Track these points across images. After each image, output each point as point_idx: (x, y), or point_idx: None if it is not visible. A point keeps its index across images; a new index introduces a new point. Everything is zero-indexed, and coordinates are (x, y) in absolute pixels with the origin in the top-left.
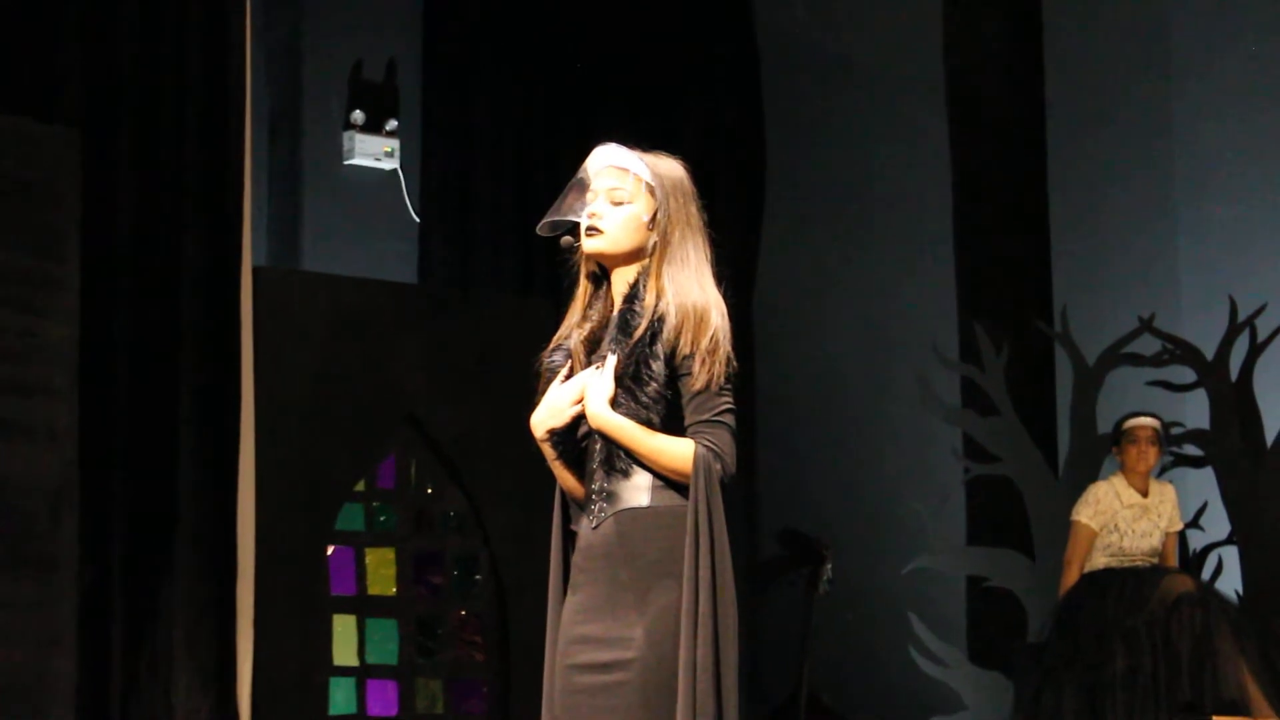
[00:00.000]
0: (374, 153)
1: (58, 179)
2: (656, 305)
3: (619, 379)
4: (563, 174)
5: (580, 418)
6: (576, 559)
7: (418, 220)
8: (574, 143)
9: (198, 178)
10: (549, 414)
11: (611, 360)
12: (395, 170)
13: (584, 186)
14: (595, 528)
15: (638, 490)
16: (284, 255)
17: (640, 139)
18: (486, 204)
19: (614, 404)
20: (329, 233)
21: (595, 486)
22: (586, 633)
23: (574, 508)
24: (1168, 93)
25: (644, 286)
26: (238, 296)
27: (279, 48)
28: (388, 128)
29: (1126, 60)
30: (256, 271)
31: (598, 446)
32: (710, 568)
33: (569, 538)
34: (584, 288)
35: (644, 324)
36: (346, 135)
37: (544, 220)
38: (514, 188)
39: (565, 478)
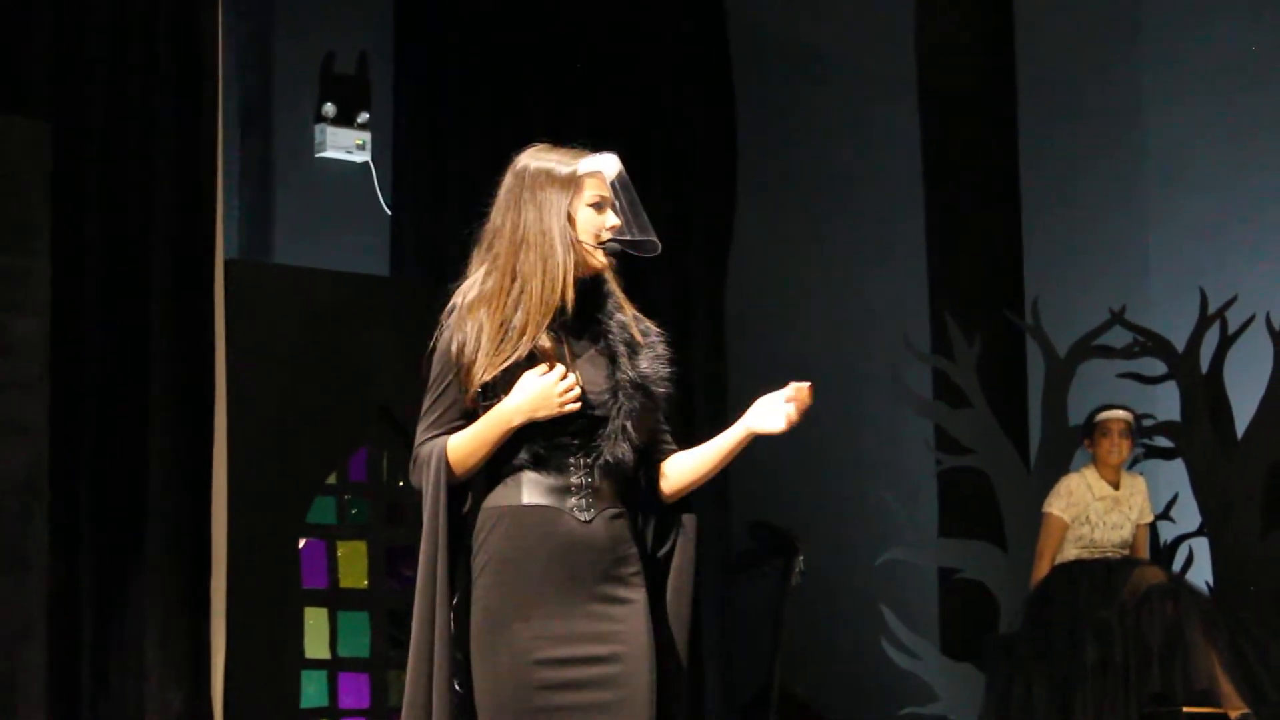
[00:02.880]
0: (346, 145)
1: (27, 171)
2: (632, 315)
3: (644, 386)
4: None
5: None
6: (528, 541)
7: (390, 213)
8: (545, 136)
9: (168, 170)
10: (542, 403)
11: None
12: (367, 163)
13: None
14: (588, 522)
15: (617, 491)
16: (256, 248)
17: (610, 133)
18: (458, 197)
19: (645, 409)
20: (301, 226)
21: (576, 480)
22: (571, 627)
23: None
24: (1139, 84)
25: (612, 293)
26: (209, 290)
27: (250, 40)
28: (359, 120)
29: (1097, 51)
30: (228, 264)
31: (591, 441)
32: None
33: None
34: (572, 288)
35: (657, 339)
36: (318, 128)
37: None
38: (486, 180)
39: (491, 447)
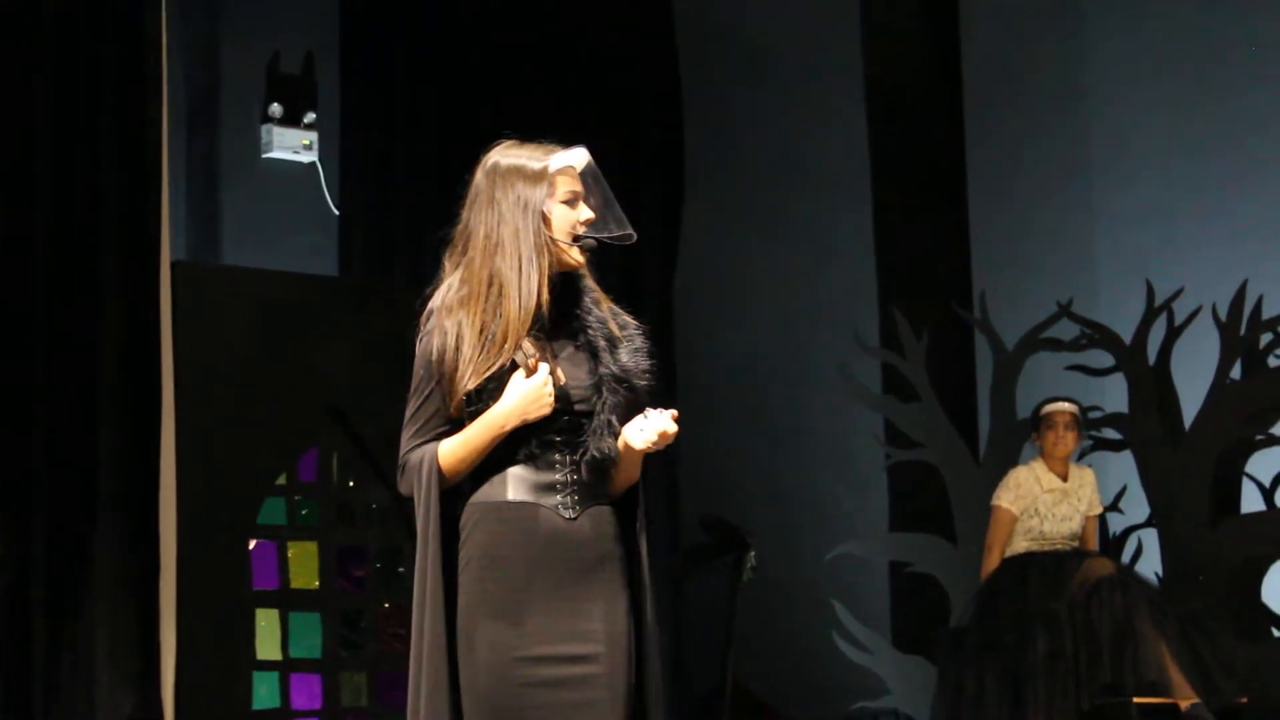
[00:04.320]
0: (293, 145)
1: None
2: (609, 309)
3: (627, 379)
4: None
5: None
6: (512, 537)
7: (337, 213)
8: (493, 133)
9: (114, 171)
10: (533, 405)
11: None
12: (314, 163)
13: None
14: (573, 519)
15: (602, 488)
16: (203, 249)
17: (559, 129)
18: (406, 196)
19: (628, 403)
20: (248, 226)
21: (561, 477)
22: (552, 625)
23: (501, 483)
24: (1082, 74)
25: (588, 291)
26: (157, 291)
27: (195, 40)
28: (306, 120)
29: (1040, 42)
30: (175, 266)
31: (577, 437)
32: (648, 570)
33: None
34: (548, 289)
35: (635, 333)
36: (265, 128)
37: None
38: (434, 179)
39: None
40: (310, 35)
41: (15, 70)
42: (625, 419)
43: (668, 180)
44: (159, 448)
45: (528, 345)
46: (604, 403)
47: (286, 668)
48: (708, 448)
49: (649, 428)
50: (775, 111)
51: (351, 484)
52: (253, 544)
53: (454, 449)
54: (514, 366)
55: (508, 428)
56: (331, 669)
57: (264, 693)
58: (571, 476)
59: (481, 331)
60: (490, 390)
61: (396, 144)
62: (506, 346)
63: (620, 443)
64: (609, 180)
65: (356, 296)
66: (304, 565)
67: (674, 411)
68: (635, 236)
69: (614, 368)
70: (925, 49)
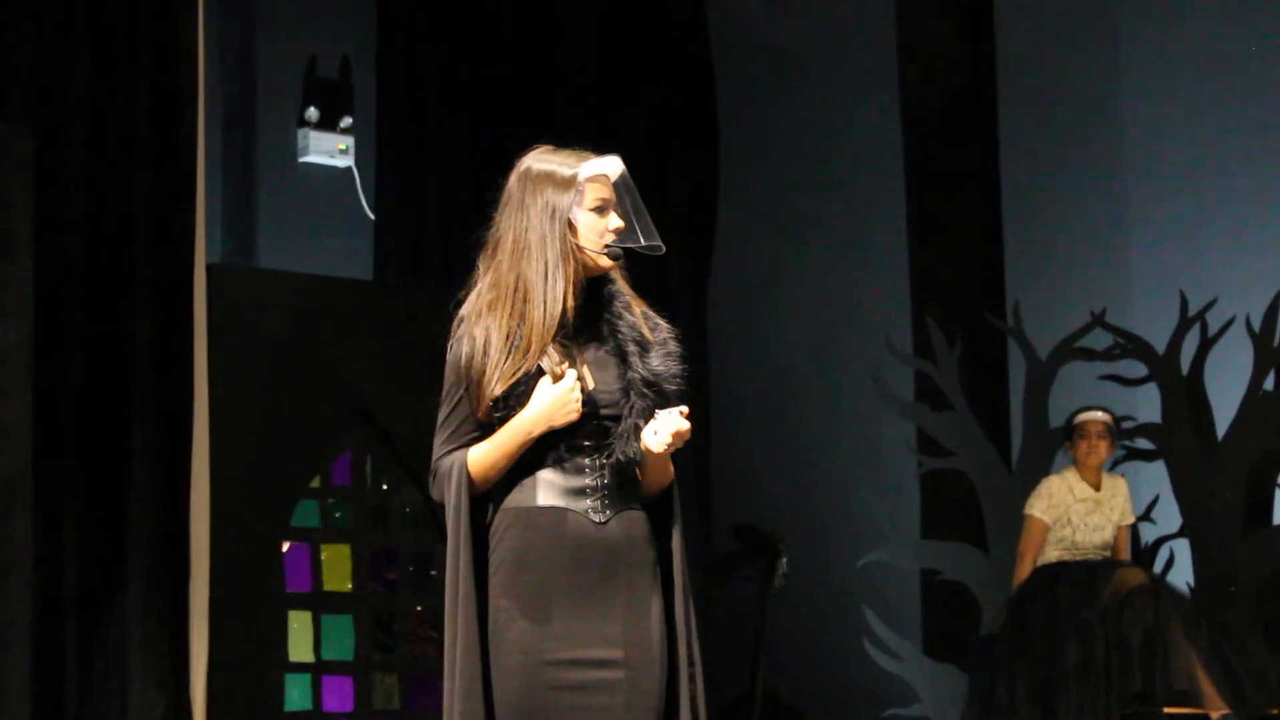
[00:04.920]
0: (328, 150)
1: (9, 178)
2: (641, 313)
3: (656, 384)
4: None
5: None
6: (542, 542)
7: (372, 217)
8: (527, 139)
9: (151, 175)
10: (560, 411)
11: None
12: (350, 167)
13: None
14: (603, 523)
15: (633, 492)
16: (238, 252)
17: (593, 135)
18: (441, 200)
19: (658, 407)
20: (283, 230)
21: (591, 481)
22: (581, 629)
23: (532, 487)
24: (1117, 86)
25: (620, 295)
26: (191, 294)
27: (233, 45)
28: (342, 125)
29: (1076, 53)
30: (210, 269)
31: (606, 442)
32: (686, 575)
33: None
34: (574, 295)
35: (668, 337)
36: (301, 132)
37: (654, 241)
38: (468, 184)
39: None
40: (347, 40)
41: (51, 73)
42: None
43: (702, 187)
44: (191, 449)
45: (553, 352)
46: (632, 407)
47: (319, 670)
48: (740, 454)
49: (662, 429)
50: (810, 119)
51: (385, 487)
52: (286, 546)
53: (483, 455)
54: (541, 372)
55: (535, 433)
56: (363, 671)
57: (296, 695)
58: (601, 481)
59: (508, 337)
60: (518, 395)
61: (431, 149)
62: (532, 352)
63: (642, 446)
64: (642, 185)
65: (391, 300)
66: (337, 568)
67: (684, 409)
68: (664, 248)
69: (643, 371)
70: (960, 58)
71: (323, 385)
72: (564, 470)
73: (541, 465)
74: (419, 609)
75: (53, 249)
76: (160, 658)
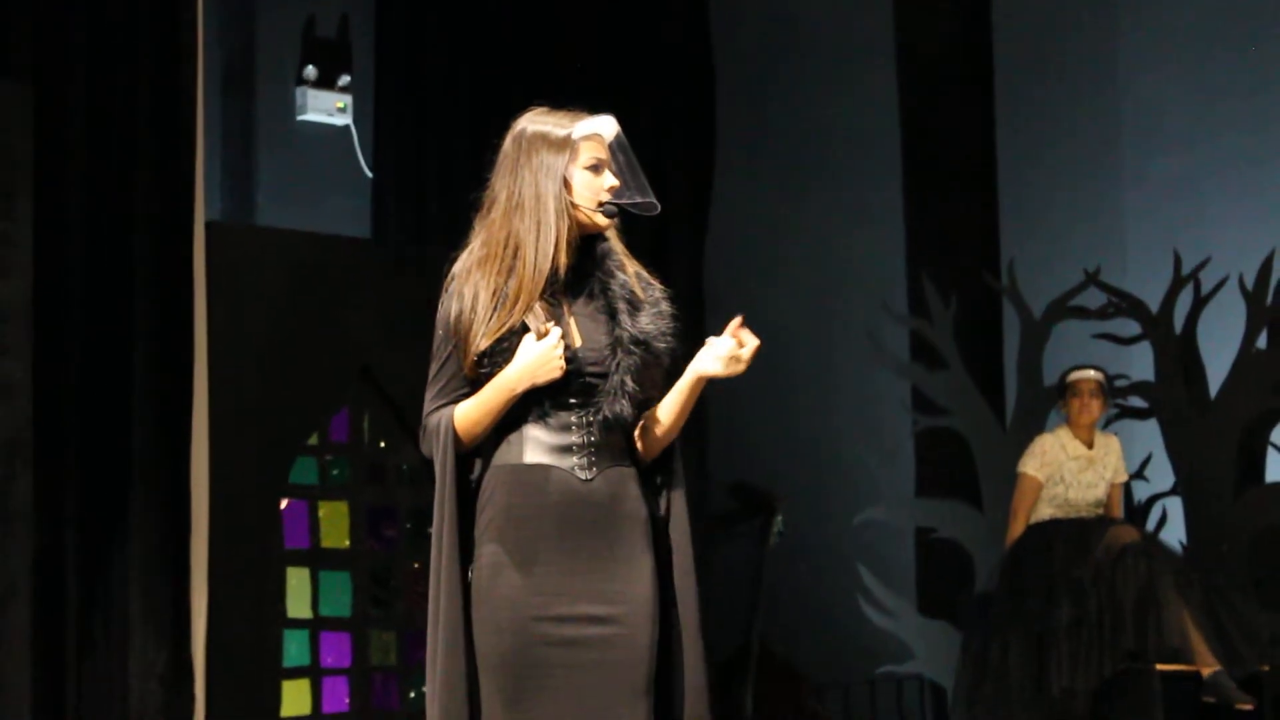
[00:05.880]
0: (327, 108)
1: (9, 135)
2: (634, 273)
3: (645, 342)
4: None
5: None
6: (529, 500)
7: (371, 175)
8: (525, 99)
9: (150, 133)
10: (543, 368)
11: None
12: (348, 126)
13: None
14: (589, 480)
15: (622, 450)
16: (237, 210)
17: (590, 95)
18: (440, 159)
19: (645, 365)
20: (282, 188)
21: (578, 439)
22: (570, 585)
23: (519, 444)
24: (1114, 45)
25: (613, 254)
26: (191, 252)
27: (231, 3)
28: (340, 83)
29: (1072, 13)
30: (209, 227)
31: (593, 399)
32: (688, 538)
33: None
34: (565, 252)
35: (661, 297)
36: (299, 91)
37: (649, 199)
38: (467, 142)
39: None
40: None
41: (53, 33)
42: (642, 381)
43: (698, 148)
44: (191, 406)
45: (538, 308)
46: (619, 364)
47: (316, 626)
48: (736, 413)
49: (744, 350)
50: (806, 80)
51: (382, 444)
52: (284, 503)
53: (469, 411)
54: (526, 329)
55: (518, 390)
56: (361, 627)
57: (294, 650)
58: (588, 438)
59: (495, 293)
60: (502, 351)
61: (430, 107)
62: (519, 307)
63: (690, 376)
64: (640, 147)
65: (389, 259)
66: (335, 525)
67: (737, 320)
68: (659, 207)
69: (631, 329)
70: (956, 18)
71: (321, 342)
72: (550, 427)
73: (528, 422)
74: (416, 566)
75: (52, 207)
76: (160, 613)
